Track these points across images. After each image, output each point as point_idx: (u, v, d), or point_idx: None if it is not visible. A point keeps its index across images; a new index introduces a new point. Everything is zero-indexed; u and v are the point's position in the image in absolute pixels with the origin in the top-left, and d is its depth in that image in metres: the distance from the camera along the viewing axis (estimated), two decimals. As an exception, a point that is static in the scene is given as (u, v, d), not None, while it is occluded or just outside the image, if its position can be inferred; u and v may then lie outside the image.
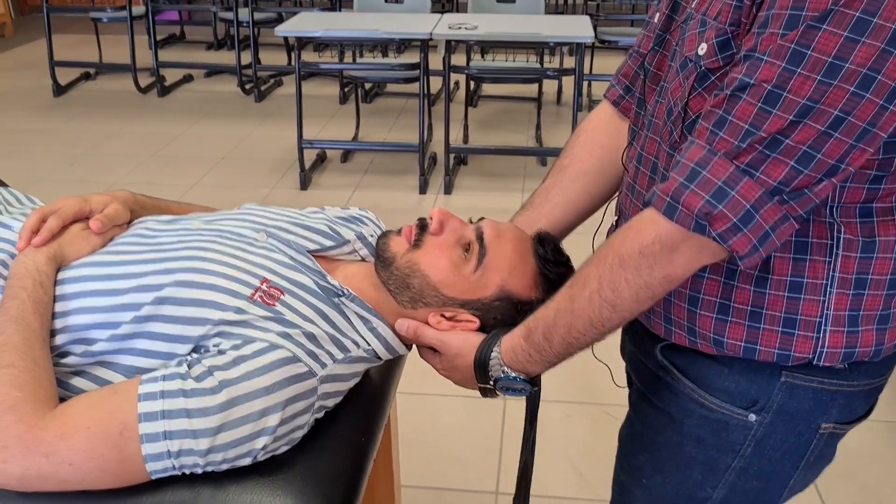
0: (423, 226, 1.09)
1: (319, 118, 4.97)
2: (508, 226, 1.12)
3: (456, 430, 2.32)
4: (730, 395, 0.96)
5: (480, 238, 1.07)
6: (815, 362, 0.91)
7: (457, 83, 5.42)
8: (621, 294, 0.87)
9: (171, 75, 5.71)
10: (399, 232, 1.10)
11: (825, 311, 0.88)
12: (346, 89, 5.36)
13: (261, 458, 0.94)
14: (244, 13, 5.44)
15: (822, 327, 0.89)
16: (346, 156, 4.44)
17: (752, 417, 0.96)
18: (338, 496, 0.95)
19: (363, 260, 1.18)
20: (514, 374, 1.00)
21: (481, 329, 1.07)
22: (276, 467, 0.95)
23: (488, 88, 5.53)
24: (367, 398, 1.12)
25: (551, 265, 1.09)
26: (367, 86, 5.39)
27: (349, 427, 1.05)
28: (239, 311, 0.97)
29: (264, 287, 1.01)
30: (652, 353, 1.03)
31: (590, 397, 2.44)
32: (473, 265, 1.06)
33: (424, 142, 4.01)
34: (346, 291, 1.06)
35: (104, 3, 6.10)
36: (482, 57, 5.43)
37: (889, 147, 0.80)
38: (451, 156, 4.05)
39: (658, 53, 0.99)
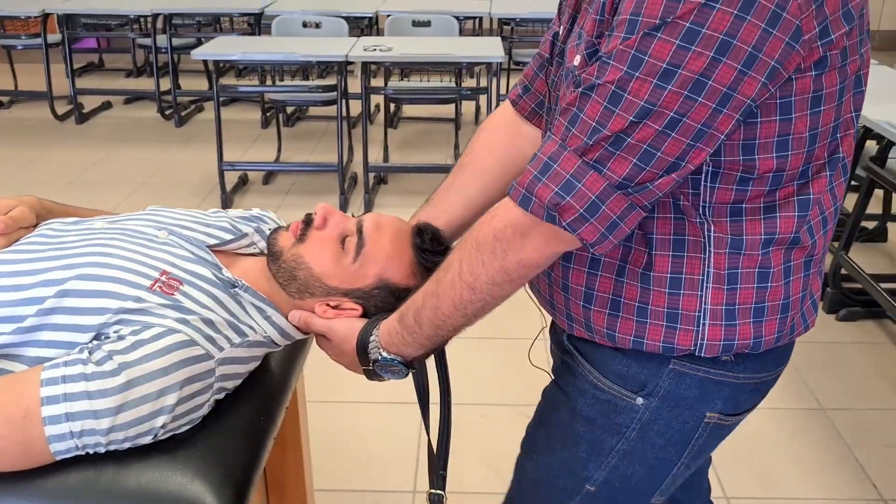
0: (308, 221, 1.16)
1: (242, 142, 4.99)
2: (389, 218, 1.18)
3: (374, 434, 2.38)
4: (622, 377, 1.01)
5: (360, 230, 1.14)
6: (696, 353, 0.96)
7: (377, 105, 5.52)
8: (479, 277, 0.92)
9: (90, 103, 5.66)
10: (288, 228, 1.17)
11: (703, 306, 0.94)
12: (267, 114, 5.40)
13: (161, 436, 0.99)
14: (163, 39, 5.44)
15: (701, 321, 0.95)
16: (268, 178, 4.48)
17: (640, 401, 1.01)
18: (237, 470, 1.01)
19: (262, 253, 1.24)
20: (390, 357, 1.06)
21: (364, 316, 1.14)
22: (177, 445, 1.00)
23: (409, 110, 5.64)
24: (269, 382, 1.18)
25: (427, 254, 1.15)
26: (289, 110, 5.43)
27: (250, 408, 1.11)
28: (138, 300, 1.02)
29: (163, 278, 1.06)
30: (562, 342, 1.10)
31: (504, 399, 2.53)
32: (352, 256, 1.12)
33: (344, 162, 4.08)
34: (240, 283, 1.12)
35: (17, 31, 6.01)
36: (401, 79, 5.54)
37: (748, 149, 0.86)
38: (371, 175, 4.13)
39: (560, 65, 1.03)
